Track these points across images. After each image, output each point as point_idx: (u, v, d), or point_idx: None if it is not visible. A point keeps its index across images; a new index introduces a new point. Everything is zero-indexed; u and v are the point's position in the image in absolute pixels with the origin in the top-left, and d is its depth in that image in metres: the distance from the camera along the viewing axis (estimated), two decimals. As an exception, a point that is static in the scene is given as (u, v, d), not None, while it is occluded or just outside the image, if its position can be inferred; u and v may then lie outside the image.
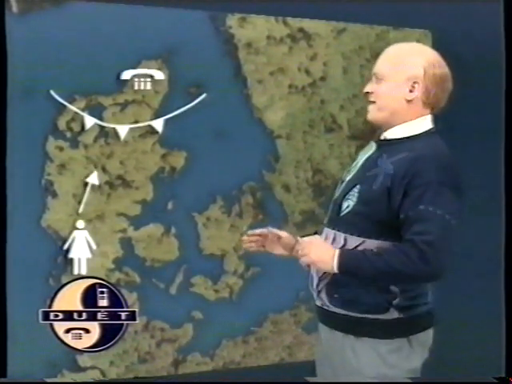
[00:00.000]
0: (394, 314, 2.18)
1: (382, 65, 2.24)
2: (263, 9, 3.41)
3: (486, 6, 3.61)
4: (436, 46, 3.70)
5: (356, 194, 2.19)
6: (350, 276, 2.15)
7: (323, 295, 2.26)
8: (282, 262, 3.46)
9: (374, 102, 2.23)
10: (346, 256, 2.13)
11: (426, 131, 2.22)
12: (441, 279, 2.10)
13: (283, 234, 2.46)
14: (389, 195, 2.12)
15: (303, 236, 2.28)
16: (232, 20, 3.39)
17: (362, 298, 2.18)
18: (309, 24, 3.53)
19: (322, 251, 2.16)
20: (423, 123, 2.22)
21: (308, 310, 3.60)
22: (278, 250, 2.49)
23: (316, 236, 2.28)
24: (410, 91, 2.19)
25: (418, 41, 3.68)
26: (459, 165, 2.18)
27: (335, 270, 2.13)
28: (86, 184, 3.21)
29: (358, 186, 2.20)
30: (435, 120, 2.27)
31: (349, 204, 2.21)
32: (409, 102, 2.20)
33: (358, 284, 2.17)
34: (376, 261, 2.08)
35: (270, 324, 3.58)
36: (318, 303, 2.30)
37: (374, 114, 2.24)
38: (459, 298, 3.56)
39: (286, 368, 3.57)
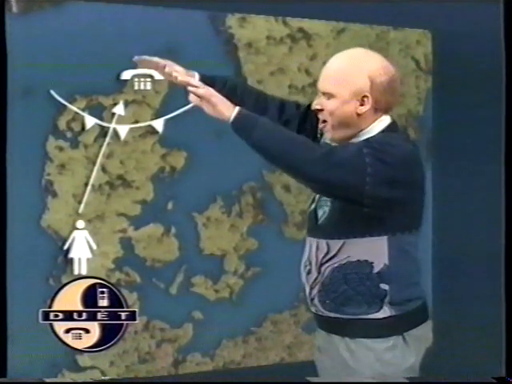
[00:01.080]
0: (386, 312, 2.19)
1: (326, 81, 2.19)
2: (263, 9, 3.41)
3: (486, 6, 3.61)
4: (436, 46, 3.72)
5: (329, 200, 2.19)
6: (240, 129, 2.14)
7: (316, 302, 2.26)
8: (282, 262, 3.48)
9: (325, 121, 2.21)
10: (246, 114, 2.13)
11: (383, 129, 2.21)
12: (308, 181, 2.09)
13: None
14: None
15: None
16: (232, 20, 3.39)
17: (352, 300, 2.18)
18: (309, 24, 3.53)
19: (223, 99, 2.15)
20: (380, 124, 2.21)
21: (308, 310, 3.59)
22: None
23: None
24: (361, 105, 2.16)
25: (419, 41, 3.69)
26: (416, 160, 2.17)
27: (230, 117, 2.14)
28: (86, 184, 3.21)
29: None
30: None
31: (324, 210, 2.21)
32: (360, 115, 2.19)
33: (347, 286, 2.18)
34: (279, 133, 2.09)
35: (270, 324, 3.58)
36: (313, 310, 2.31)
37: (330, 134, 2.21)
38: (459, 297, 3.56)
39: (286, 368, 3.57)
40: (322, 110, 2.21)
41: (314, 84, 3.56)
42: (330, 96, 2.18)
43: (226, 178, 3.44)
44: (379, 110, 2.19)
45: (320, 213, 2.23)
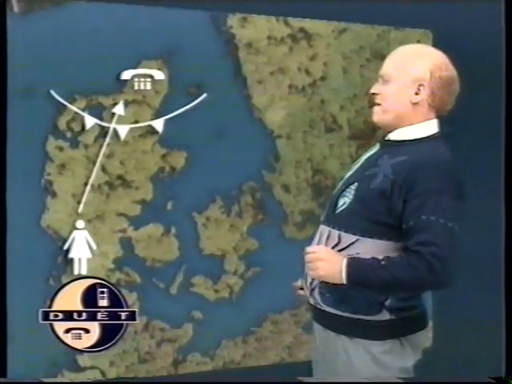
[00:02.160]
0: (385, 316, 2.18)
1: (388, 66, 2.23)
2: (264, 9, 3.40)
3: (486, 5, 3.61)
4: (437, 46, 3.72)
5: (353, 192, 2.19)
6: (358, 287, 2.15)
7: (316, 294, 2.26)
8: (282, 261, 3.47)
9: (379, 104, 2.23)
10: (353, 269, 2.12)
11: (430, 135, 2.21)
12: (448, 287, 2.11)
13: None
14: (387, 199, 2.11)
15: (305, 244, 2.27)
16: (233, 20, 3.39)
17: (353, 298, 2.18)
18: (310, 24, 3.52)
19: (329, 265, 2.15)
20: (428, 127, 2.21)
21: (308, 310, 3.59)
22: None
23: (321, 247, 2.22)
24: (416, 94, 2.18)
25: (419, 41, 3.68)
26: (460, 170, 2.18)
27: (344, 282, 2.13)
28: (85, 184, 3.21)
29: (355, 184, 2.20)
30: (440, 123, 2.27)
31: (345, 201, 2.21)
32: (414, 104, 2.19)
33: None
34: (382, 274, 2.08)
35: (270, 324, 3.58)
36: (311, 301, 2.30)
37: (379, 116, 2.24)
38: (459, 297, 3.56)
39: (286, 368, 3.57)
40: (377, 94, 2.23)
41: (314, 84, 3.57)
42: (387, 81, 2.21)
43: (226, 178, 3.43)
44: (432, 106, 2.20)
45: (340, 202, 2.23)
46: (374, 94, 2.25)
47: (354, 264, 2.12)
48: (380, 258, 2.12)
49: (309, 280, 2.29)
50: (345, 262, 2.12)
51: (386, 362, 2.19)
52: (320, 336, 2.33)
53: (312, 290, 2.27)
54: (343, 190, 2.24)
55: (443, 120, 2.29)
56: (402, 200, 2.10)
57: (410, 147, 2.17)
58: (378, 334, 2.19)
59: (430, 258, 2.03)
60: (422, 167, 2.09)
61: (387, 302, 2.17)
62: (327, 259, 2.16)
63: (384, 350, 2.19)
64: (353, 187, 2.20)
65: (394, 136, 2.23)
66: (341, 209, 2.22)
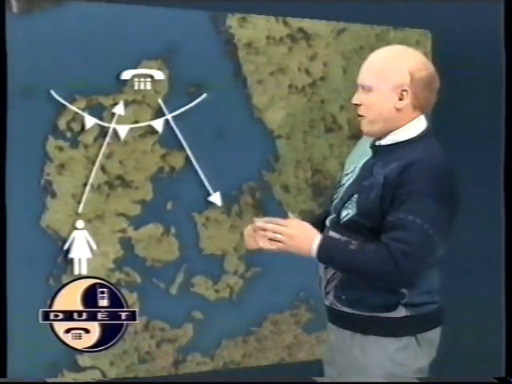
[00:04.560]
0: (402, 312, 2.19)
1: (366, 75, 2.20)
2: (263, 9, 3.41)
3: (486, 5, 3.61)
4: (436, 46, 3.73)
5: (354, 204, 2.19)
6: (324, 263, 2.20)
7: (331, 296, 2.26)
8: (282, 261, 3.47)
9: (363, 116, 2.22)
10: (324, 248, 2.13)
11: (419, 134, 2.21)
12: (408, 286, 2.15)
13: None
14: (384, 206, 2.12)
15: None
16: (232, 20, 3.39)
17: (369, 299, 2.18)
18: (309, 24, 3.53)
19: (299, 242, 2.14)
20: (417, 126, 2.21)
21: (308, 310, 3.60)
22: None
23: (294, 223, 2.18)
24: (400, 99, 2.17)
25: (418, 41, 3.69)
26: (454, 173, 2.17)
27: (313, 255, 2.15)
28: (85, 184, 3.21)
29: (355, 196, 2.20)
30: (432, 118, 2.26)
31: (348, 212, 2.21)
32: (399, 109, 2.19)
33: (366, 285, 2.18)
34: (350, 259, 2.11)
35: (270, 324, 3.58)
36: (327, 303, 2.31)
37: (367, 127, 2.23)
38: (459, 297, 3.56)
39: (286, 368, 3.57)
40: (360, 104, 2.21)
41: (314, 84, 3.57)
42: (369, 90, 2.19)
43: (226, 178, 3.43)
44: (417, 107, 2.19)
45: (344, 213, 2.23)
46: (356, 104, 2.23)
47: (327, 243, 2.14)
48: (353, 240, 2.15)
49: (323, 283, 2.29)
50: (318, 240, 2.13)
51: (400, 360, 2.19)
52: (334, 337, 2.33)
53: (327, 293, 2.28)
54: (345, 202, 2.23)
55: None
56: (389, 199, 2.11)
57: (401, 149, 2.17)
58: (395, 330, 2.19)
59: (398, 254, 2.06)
60: (410, 168, 2.09)
61: (404, 299, 2.18)
62: (299, 236, 2.15)
63: (399, 348, 2.19)
64: (353, 199, 2.20)
65: (384, 141, 2.23)
66: (345, 219, 2.22)
